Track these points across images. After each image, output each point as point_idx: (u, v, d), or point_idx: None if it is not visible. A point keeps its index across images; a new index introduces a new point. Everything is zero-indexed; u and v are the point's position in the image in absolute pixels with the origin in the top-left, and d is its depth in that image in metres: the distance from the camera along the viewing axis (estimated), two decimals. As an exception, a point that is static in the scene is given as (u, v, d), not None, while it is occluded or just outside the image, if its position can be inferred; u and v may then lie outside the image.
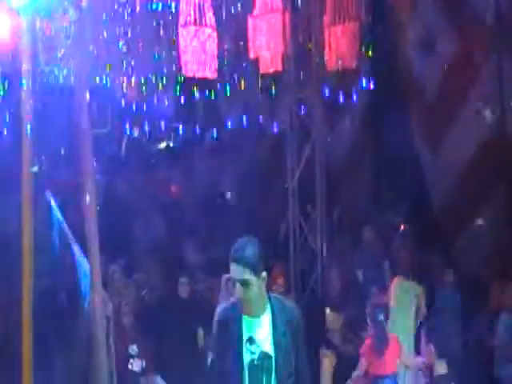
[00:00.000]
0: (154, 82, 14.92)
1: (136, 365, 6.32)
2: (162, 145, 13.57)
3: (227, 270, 6.98)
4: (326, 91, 10.50)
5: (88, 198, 5.76)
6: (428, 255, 7.71)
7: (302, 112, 8.22)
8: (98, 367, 5.88)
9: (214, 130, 13.11)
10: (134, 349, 6.37)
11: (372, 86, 10.51)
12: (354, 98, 11.00)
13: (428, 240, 7.96)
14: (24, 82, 4.90)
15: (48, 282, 8.53)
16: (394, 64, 9.60)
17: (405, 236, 7.80)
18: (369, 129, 10.36)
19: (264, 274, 3.30)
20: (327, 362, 6.46)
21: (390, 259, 7.48)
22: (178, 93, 14.88)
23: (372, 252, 7.71)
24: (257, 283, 3.26)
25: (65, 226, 8.92)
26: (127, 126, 13.49)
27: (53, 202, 9.65)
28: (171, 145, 13.43)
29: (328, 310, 6.75)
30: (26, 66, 4.69)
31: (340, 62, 7.69)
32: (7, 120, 13.15)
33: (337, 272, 7.20)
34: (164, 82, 14.96)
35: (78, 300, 7.35)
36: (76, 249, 8.09)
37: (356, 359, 6.00)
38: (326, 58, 7.70)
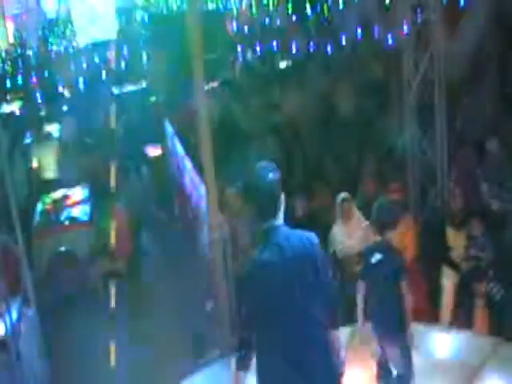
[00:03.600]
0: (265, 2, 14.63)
1: (252, 285, 6.29)
2: (277, 65, 13.29)
3: (342, 189, 6.82)
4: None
5: (202, 123, 5.75)
6: None
7: (420, 20, 7.62)
8: (217, 288, 5.98)
9: (328, 47, 12.65)
10: (251, 268, 6.34)
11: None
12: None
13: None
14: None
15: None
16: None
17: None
18: (493, 33, 9.50)
19: None
20: (449, 280, 6.15)
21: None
22: (290, 10, 14.49)
23: (497, 166, 7.14)
24: None
25: (182, 151, 9.04)
26: (239, 50, 13.37)
27: (170, 129, 9.80)
28: (285, 65, 13.13)
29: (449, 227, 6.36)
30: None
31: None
32: (124, 52, 13.40)
33: (459, 187, 6.74)
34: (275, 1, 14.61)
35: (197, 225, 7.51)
36: (193, 173, 8.20)
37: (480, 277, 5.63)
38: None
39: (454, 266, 6.16)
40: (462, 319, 5.88)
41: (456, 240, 6.25)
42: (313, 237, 3.22)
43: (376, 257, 4.41)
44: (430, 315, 5.98)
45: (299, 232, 3.23)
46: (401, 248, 6.37)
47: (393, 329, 4.32)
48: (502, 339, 5.05)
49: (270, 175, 3.14)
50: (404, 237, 6.38)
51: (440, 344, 5.23)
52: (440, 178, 7.05)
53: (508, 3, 9.13)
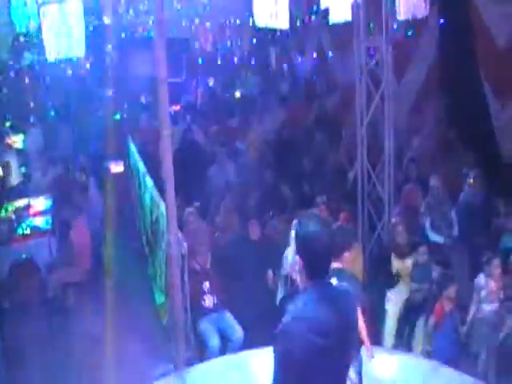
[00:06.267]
0: (227, 33, 14.69)
1: (208, 301, 6.29)
2: (237, 93, 13.38)
3: (296, 215, 6.85)
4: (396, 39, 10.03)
5: (164, 144, 5.70)
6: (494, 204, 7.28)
7: (372, 61, 7.83)
8: (173, 302, 5.90)
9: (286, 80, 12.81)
10: (206, 286, 6.35)
11: (442, 29, 9.92)
12: (423, 47, 10.44)
13: (495, 189, 7.52)
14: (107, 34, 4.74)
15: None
16: (464, 12, 8.99)
17: (473, 183, 7.37)
18: (438, 78, 9.84)
19: None
20: (392, 306, 6.24)
21: (457, 207, 7.12)
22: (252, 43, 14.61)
23: (439, 200, 7.33)
24: None
25: (143, 169, 8.95)
26: (201, 76, 13.43)
27: (133, 148, 9.68)
28: (244, 93, 13.22)
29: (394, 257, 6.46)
30: (108, 20, 4.54)
31: (411, 11, 7.18)
32: (92, 71, 13.20)
33: (404, 220, 6.88)
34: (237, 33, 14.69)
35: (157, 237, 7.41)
36: (154, 192, 8.12)
37: (422, 306, 5.77)
38: (397, 6, 7.23)
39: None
40: (403, 343, 5.99)
41: (401, 269, 6.37)
42: (349, 290, 3.01)
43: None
44: (374, 338, 6.05)
45: (338, 286, 3.02)
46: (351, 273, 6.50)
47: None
48: (440, 362, 5.15)
49: (327, 231, 2.78)
50: (354, 263, 6.47)
51: (383, 366, 5.29)
52: (387, 211, 7.19)
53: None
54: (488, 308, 5.85)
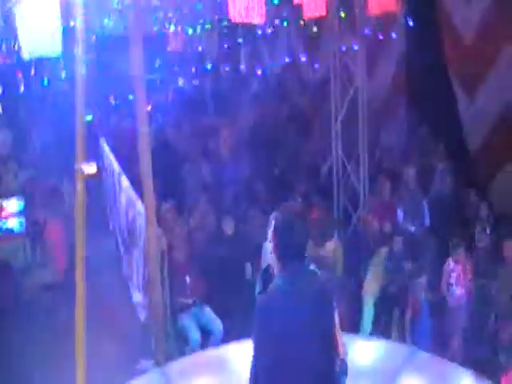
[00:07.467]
0: (199, 30, 14.67)
1: (188, 296, 6.37)
2: (209, 92, 13.40)
3: (274, 208, 6.96)
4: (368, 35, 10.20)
5: (143, 142, 5.74)
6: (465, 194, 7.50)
7: (345, 56, 7.98)
8: (152, 297, 5.95)
9: (259, 72, 12.87)
10: (186, 281, 6.44)
11: (411, 25, 10.12)
12: (393, 40, 10.63)
13: (464, 180, 7.75)
14: (78, 35, 4.76)
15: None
16: (431, 7, 9.21)
17: (443, 175, 7.57)
18: (407, 73, 10.05)
19: None
20: (370, 294, 6.39)
21: (428, 198, 7.30)
22: (223, 38, 14.60)
23: (412, 191, 7.51)
24: None
25: (118, 169, 8.94)
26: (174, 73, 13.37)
27: (106, 148, 9.66)
28: (216, 91, 13.25)
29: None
30: (79, 20, 4.56)
31: (381, 6, 7.37)
32: (63, 72, 13.08)
33: (377, 210, 7.04)
34: (209, 29, 14.67)
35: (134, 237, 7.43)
36: (130, 191, 8.14)
37: (397, 295, 5.91)
38: (368, 1, 7.41)
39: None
40: (381, 330, 6.13)
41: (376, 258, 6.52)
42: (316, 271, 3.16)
43: None
44: (352, 326, 6.19)
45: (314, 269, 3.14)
46: (332, 262, 6.63)
47: None
48: (417, 348, 5.29)
49: (301, 221, 2.97)
50: (335, 253, 6.60)
51: (362, 352, 5.40)
52: (362, 202, 7.35)
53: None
54: (458, 291, 6.09)
